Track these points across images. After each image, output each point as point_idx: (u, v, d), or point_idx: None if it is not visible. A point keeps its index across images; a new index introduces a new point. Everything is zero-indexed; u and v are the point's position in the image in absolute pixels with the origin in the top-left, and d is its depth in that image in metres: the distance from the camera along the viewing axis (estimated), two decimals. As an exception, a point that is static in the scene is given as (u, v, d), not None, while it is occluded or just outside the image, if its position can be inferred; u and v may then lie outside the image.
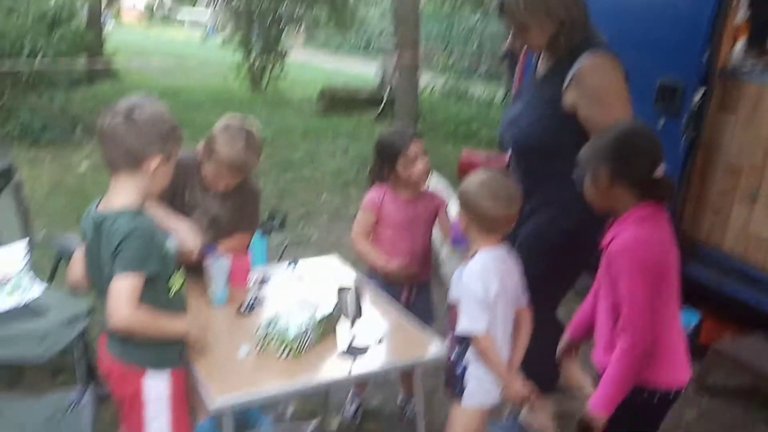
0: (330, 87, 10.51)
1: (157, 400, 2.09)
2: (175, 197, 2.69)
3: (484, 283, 2.21)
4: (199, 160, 2.69)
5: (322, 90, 10.36)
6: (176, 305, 2.11)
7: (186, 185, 2.71)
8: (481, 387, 2.29)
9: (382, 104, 9.61)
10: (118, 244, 1.91)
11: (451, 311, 2.26)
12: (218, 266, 2.54)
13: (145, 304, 1.94)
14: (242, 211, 2.80)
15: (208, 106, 9.95)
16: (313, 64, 17.32)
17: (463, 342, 2.27)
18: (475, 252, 2.29)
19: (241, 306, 2.52)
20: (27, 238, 3.45)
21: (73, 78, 9.88)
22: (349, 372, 2.17)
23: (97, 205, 2.06)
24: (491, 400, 2.31)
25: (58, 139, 7.48)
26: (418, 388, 2.34)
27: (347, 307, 2.21)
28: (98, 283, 2.04)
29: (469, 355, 2.27)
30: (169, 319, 2.07)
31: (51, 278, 3.44)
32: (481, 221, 2.26)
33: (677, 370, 2.05)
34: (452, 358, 2.31)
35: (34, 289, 3.34)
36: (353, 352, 2.23)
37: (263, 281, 2.78)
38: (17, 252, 3.40)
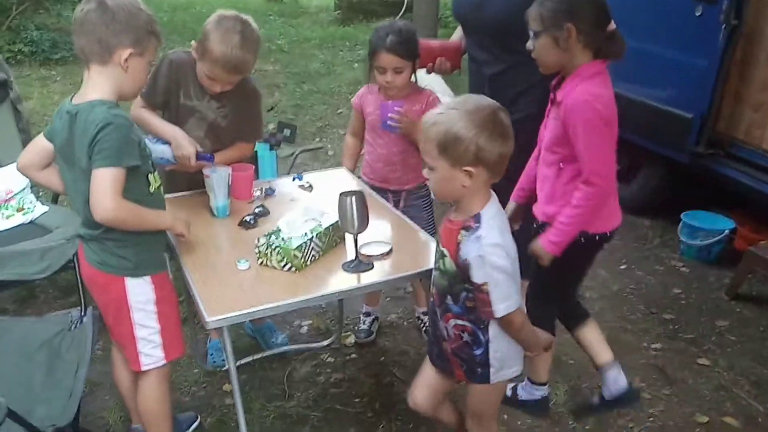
0: (348, -7, 10.07)
1: (143, 306, 2.08)
2: (170, 101, 2.54)
3: (505, 249, 1.76)
4: (194, 61, 2.49)
5: (338, -3, 9.96)
6: (156, 202, 2.06)
7: (180, 88, 2.53)
8: (507, 361, 1.95)
9: (403, 9, 9.20)
10: (96, 134, 1.83)
11: (480, 297, 1.80)
12: (217, 176, 2.40)
13: (126, 199, 1.88)
14: (242, 115, 2.61)
15: (223, 19, 9.63)
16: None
17: (481, 322, 1.91)
18: (476, 215, 1.77)
19: (244, 218, 2.39)
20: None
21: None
22: (358, 282, 2.04)
23: (71, 100, 1.97)
24: (518, 369, 2.00)
25: (68, 57, 7.30)
26: (427, 298, 2.21)
27: (350, 214, 2.05)
28: (72, 182, 1.98)
29: (491, 332, 1.91)
30: (154, 212, 2.03)
31: (55, 199, 3.35)
32: (488, 168, 1.75)
33: (616, 214, 2.26)
34: (467, 341, 1.94)
35: (37, 208, 3.25)
36: (360, 262, 2.09)
37: (268, 193, 2.64)
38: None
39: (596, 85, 2.08)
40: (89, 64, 1.94)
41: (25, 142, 3.38)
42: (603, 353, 2.44)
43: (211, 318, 1.87)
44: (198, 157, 2.45)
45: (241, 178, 2.57)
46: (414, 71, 2.69)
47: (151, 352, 2.13)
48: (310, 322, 3.21)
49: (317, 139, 5.55)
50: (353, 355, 2.99)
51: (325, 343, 3.04)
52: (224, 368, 2.87)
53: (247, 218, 2.40)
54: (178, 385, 2.78)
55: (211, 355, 2.95)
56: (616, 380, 2.44)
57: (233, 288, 2.01)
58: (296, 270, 2.08)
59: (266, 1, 11.61)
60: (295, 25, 9.43)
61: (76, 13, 1.93)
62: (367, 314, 3.14)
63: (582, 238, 2.18)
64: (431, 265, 2.14)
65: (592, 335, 2.47)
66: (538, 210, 2.30)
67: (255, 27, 2.43)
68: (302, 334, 3.15)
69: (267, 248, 2.10)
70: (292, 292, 1.99)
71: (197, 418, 2.60)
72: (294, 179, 2.78)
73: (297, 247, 2.07)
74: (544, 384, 2.60)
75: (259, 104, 2.73)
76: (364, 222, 2.08)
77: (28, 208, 3.22)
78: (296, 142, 3.94)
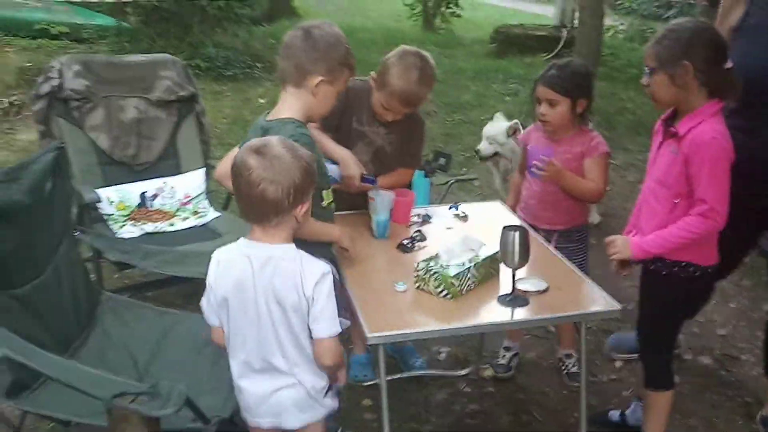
0: (504, 26, 10.09)
1: None
2: (342, 124, 2.69)
3: None
4: (370, 90, 2.65)
5: (495, 30, 9.98)
6: (327, 216, 2.21)
7: (354, 113, 2.69)
8: None
9: (560, 45, 9.12)
10: None
11: None
12: (381, 199, 2.52)
13: None
14: (407, 144, 2.74)
15: (381, 45, 9.96)
16: (488, 3, 16.82)
17: None
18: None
19: (402, 242, 2.48)
20: (206, 166, 3.63)
21: (255, 15, 10.30)
22: (511, 317, 2.07)
23: (265, 116, 2.16)
24: None
25: (239, 74, 7.81)
26: (582, 343, 2.19)
27: (512, 248, 2.08)
28: None
29: None
30: (324, 224, 2.18)
31: (225, 206, 3.61)
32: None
33: (714, 251, 2.31)
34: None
35: (210, 213, 3.52)
36: (515, 297, 2.12)
37: (425, 219, 2.72)
38: (198, 178, 3.60)
39: (720, 123, 2.17)
40: (285, 85, 2.14)
41: (205, 153, 3.69)
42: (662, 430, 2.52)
43: (372, 334, 1.96)
44: (362, 179, 2.57)
45: (402, 204, 2.67)
46: (575, 110, 2.69)
47: None
48: (449, 349, 3.24)
49: (464, 170, 5.61)
50: (490, 389, 2.99)
51: (463, 372, 3.07)
52: (364, 383, 2.98)
53: (405, 242, 2.48)
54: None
55: (353, 369, 3.05)
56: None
57: (392, 308, 2.09)
58: (452, 297, 2.13)
59: (423, 31, 11.89)
60: (449, 56, 9.57)
61: (285, 37, 2.14)
62: (508, 349, 3.14)
63: (690, 268, 2.27)
64: (589, 308, 2.14)
65: (665, 405, 2.50)
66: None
67: (433, 64, 2.57)
68: (440, 360, 3.19)
69: (426, 273, 2.17)
70: (447, 319, 2.05)
71: (339, 429, 2.69)
72: (450, 208, 2.84)
73: (455, 276, 2.12)
74: None
75: (423, 132, 2.85)
76: (524, 257, 2.10)
77: (203, 212, 3.50)
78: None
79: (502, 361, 3.10)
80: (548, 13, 12.02)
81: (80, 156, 3.36)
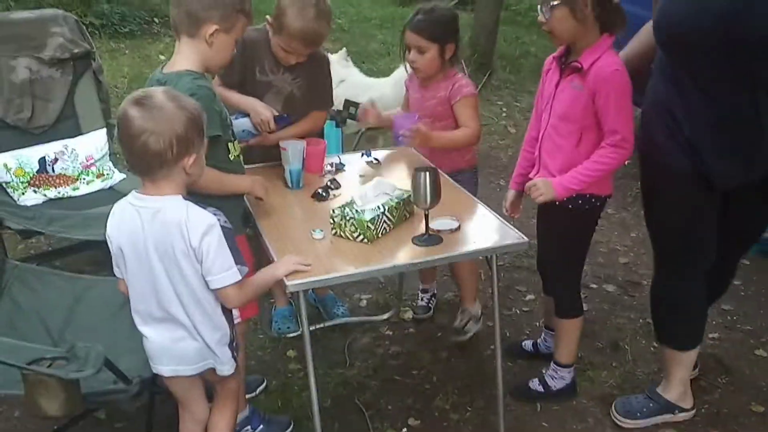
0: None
1: None
2: (245, 79, 2.64)
3: None
4: (268, 37, 2.61)
5: (400, -23, 9.93)
6: (236, 169, 2.19)
7: (255, 64, 2.64)
8: None
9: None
10: None
11: None
12: (293, 149, 2.51)
13: (208, 165, 1.95)
14: (315, 84, 2.73)
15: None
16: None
17: None
18: None
19: (317, 190, 2.49)
20: (107, 126, 3.50)
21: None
22: (427, 256, 2.12)
23: (161, 69, 2.10)
24: None
25: (137, 30, 7.48)
26: (494, 277, 2.27)
27: (423, 190, 2.12)
28: None
29: None
30: (234, 176, 2.17)
31: (132, 165, 3.50)
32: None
33: (611, 181, 2.42)
34: None
35: (115, 175, 3.41)
36: (429, 236, 2.17)
37: (339, 168, 2.73)
38: (100, 138, 3.47)
39: (617, 56, 2.25)
40: (179, 35, 2.08)
41: (104, 111, 3.55)
42: (573, 355, 2.66)
43: (292, 282, 1.97)
44: (276, 120, 2.57)
45: (314, 152, 2.66)
46: (444, 55, 2.68)
47: None
48: (370, 296, 3.30)
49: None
50: (411, 330, 3.08)
51: (385, 316, 3.14)
52: (288, 335, 3.00)
53: (320, 191, 2.49)
54: (246, 350, 2.89)
55: (276, 322, 3.07)
56: (564, 378, 2.68)
57: (310, 256, 2.09)
58: (368, 241, 2.16)
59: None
60: (354, 4, 9.47)
61: None
62: (425, 291, 3.22)
63: (592, 199, 2.37)
64: (499, 243, 2.21)
65: (575, 331, 2.62)
66: (547, 177, 2.38)
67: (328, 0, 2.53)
68: (362, 307, 3.25)
69: (341, 219, 2.19)
70: (365, 262, 2.08)
71: (264, 380, 2.72)
72: (362, 155, 2.86)
73: (370, 219, 2.15)
74: (571, 366, 2.69)
75: (329, 71, 2.85)
76: (435, 197, 2.15)
77: (107, 174, 3.39)
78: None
79: (422, 303, 3.18)
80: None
81: (-31, 121, 3.17)
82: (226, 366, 1.96)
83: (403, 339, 3.02)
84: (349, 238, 2.18)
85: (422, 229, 2.19)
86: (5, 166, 3.15)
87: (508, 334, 3.05)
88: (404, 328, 3.09)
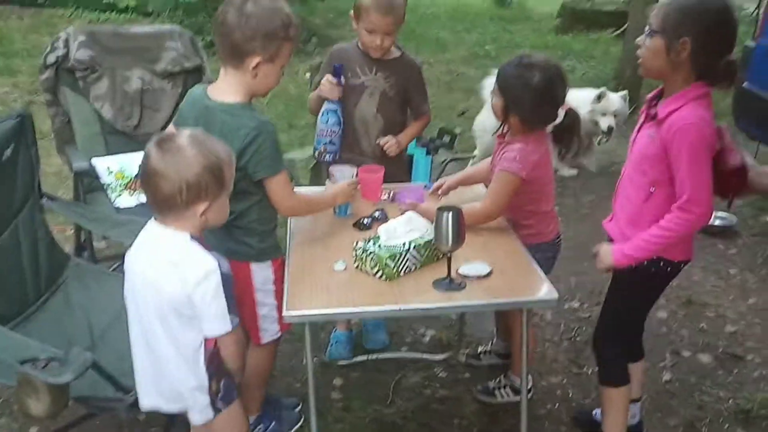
0: (572, 1, 9.66)
1: (262, 287, 2.21)
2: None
3: None
4: (354, 45, 2.75)
5: (562, 5, 9.60)
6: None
7: (347, 70, 2.71)
8: None
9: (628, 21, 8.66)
10: (250, 142, 1.99)
11: None
12: (341, 175, 2.47)
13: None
14: (408, 86, 2.80)
15: (443, 20, 9.80)
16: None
17: None
18: None
19: (361, 219, 2.42)
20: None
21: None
22: (443, 303, 1.99)
23: (205, 91, 2.12)
24: None
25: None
26: (524, 333, 2.07)
27: (445, 231, 1.98)
28: None
29: None
30: (319, 197, 2.35)
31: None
32: None
33: (691, 244, 2.15)
34: None
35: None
36: (451, 281, 2.02)
37: (395, 197, 2.64)
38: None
39: (704, 108, 1.97)
40: (224, 65, 2.07)
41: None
42: (635, 391, 2.41)
43: (289, 312, 1.92)
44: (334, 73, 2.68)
45: (370, 180, 2.60)
46: (507, 116, 2.36)
47: (270, 327, 2.27)
48: (434, 332, 3.16)
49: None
50: (466, 375, 2.90)
51: (440, 357, 2.98)
52: (339, 362, 2.95)
53: (364, 220, 2.42)
54: (293, 371, 2.88)
55: (332, 346, 3.01)
56: (634, 415, 2.45)
57: (321, 287, 2.04)
58: (387, 279, 2.06)
59: (495, 4, 11.55)
60: (512, 31, 9.29)
61: (218, 12, 2.05)
62: (495, 335, 3.02)
63: (661, 263, 2.10)
64: (527, 296, 2.02)
65: (635, 372, 2.36)
66: (615, 229, 2.21)
67: None
68: (424, 343, 3.12)
69: (363, 253, 2.11)
70: (374, 301, 1.98)
71: (299, 404, 2.67)
72: (426, 187, 2.75)
73: (390, 256, 2.05)
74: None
75: (422, 76, 2.88)
76: (458, 240, 2.00)
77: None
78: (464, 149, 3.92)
79: (482, 349, 2.99)
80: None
81: (84, 125, 3.43)
82: (197, 415, 1.89)
83: (454, 383, 2.85)
84: (369, 273, 2.09)
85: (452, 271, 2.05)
86: (108, 168, 3.37)
87: (571, 395, 2.79)
88: (459, 372, 2.92)
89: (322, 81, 2.69)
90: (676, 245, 2.08)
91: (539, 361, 2.95)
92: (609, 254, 2.12)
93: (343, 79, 2.68)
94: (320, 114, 2.71)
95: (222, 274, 1.77)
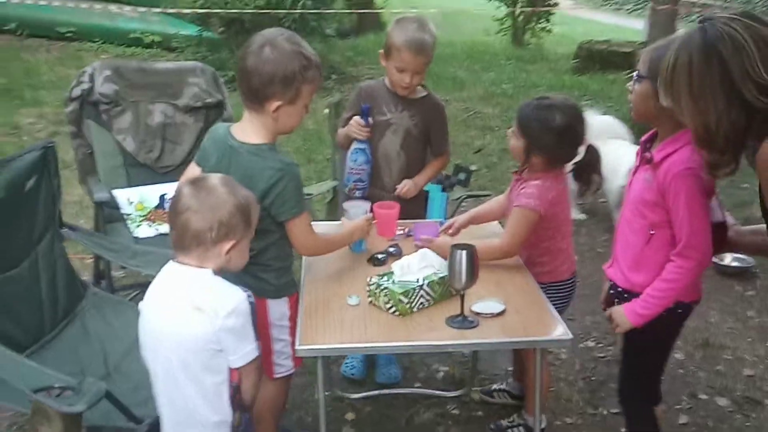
0: (587, 42, 9.73)
1: (278, 322, 2.21)
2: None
3: None
4: (382, 83, 2.82)
5: (579, 45, 9.68)
6: None
7: (374, 107, 2.79)
8: None
9: (644, 62, 8.71)
10: (274, 183, 2.00)
11: None
12: (355, 211, 2.48)
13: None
14: (432, 126, 2.86)
15: (461, 59, 9.90)
16: (593, 19, 16.21)
17: None
18: None
19: (375, 254, 2.43)
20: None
21: (343, 29, 10.48)
22: (453, 340, 1.99)
23: (229, 130, 2.14)
24: None
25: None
26: (536, 376, 2.06)
27: (459, 268, 1.99)
28: None
29: None
30: (338, 236, 2.35)
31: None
32: None
33: (700, 284, 2.12)
34: None
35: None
36: (464, 319, 2.02)
37: (410, 234, 2.65)
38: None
39: (698, 152, 1.90)
40: (246, 108, 2.10)
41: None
42: None
43: (302, 347, 1.93)
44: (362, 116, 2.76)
45: (385, 216, 2.62)
46: (529, 156, 2.36)
47: (284, 363, 2.26)
48: (447, 368, 3.15)
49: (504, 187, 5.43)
50: (479, 413, 2.87)
51: (454, 393, 2.96)
52: (354, 377, 3.00)
53: (378, 255, 2.43)
54: (306, 404, 2.87)
55: (347, 363, 3.04)
56: None
57: (335, 322, 2.05)
58: (400, 314, 2.06)
59: (512, 45, 11.67)
60: (529, 71, 9.37)
61: (240, 53, 2.10)
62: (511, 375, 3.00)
63: (671, 305, 2.05)
64: (545, 336, 2.01)
65: None
66: (618, 275, 2.17)
67: (431, 24, 2.73)
68: (437, 379, 3.10)
69: (376, 288, 2.12)
70: (387, 336, 1.99)
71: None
72: (440, 223, 2.76)
73: (403, 292, 2.06)
74: None
75: (445, 116, 2.97)
76: (471, 278, 2.01)
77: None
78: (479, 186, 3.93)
79: (497, 387, 2.97)
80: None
81: (106, 157, 3.50)
82: None
83: (467, 421, 2.83)
84: (382, 309, 2.10)
85: (465, 308, 2.05)
86: (128, 200, 3.43)
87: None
88: (472, 409, 2.90)
89: (351, 122, 2.75)
90: (687, 287, 2.05)
91: (554, 401, 2.92)
92: (624, 317, 2.08)
93: (370, 119, 2.75)
94: (350, 152, 2.79)
95: (249, 304, 1.81)
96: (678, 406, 2.90)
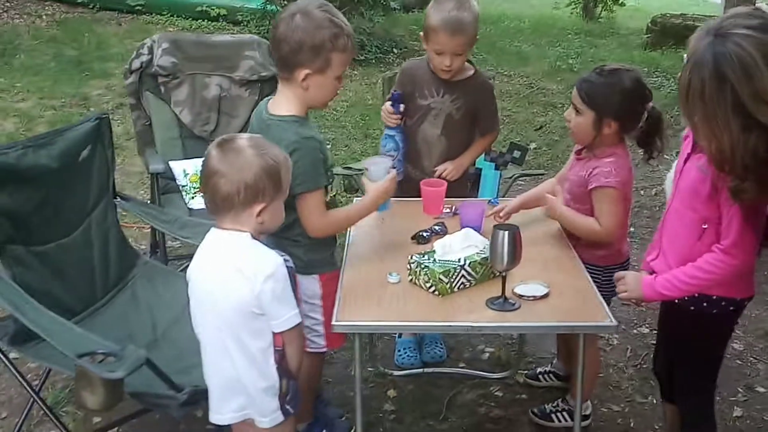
0: (662, 16, 9.34)
1: (309, 300, 2.20)
2: (407, 106, 2.70)
3: None
4: (426, 63, 2.70)
5: (652, 20, 9.30)
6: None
7: (415, 90, 2.71)
8: None
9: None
10: (289, 156, 1.94)
11: None
12: (376, 170, 2.30)
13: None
14: (477, 107, 2.75)
15: (527, 33, 9.68)
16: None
17: None
18: None
19: (420, 232, 2.40)
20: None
21: (408, 1, 10.37)
22: (493, 322, 1.95)
23: (266, 105, 2.15)
24: None
25: (372, 59, 7.90)
26: (579, 362, 2.00)
27: (501, 250, 1.94)
28: None
29: None
30: (356, 207, 2.26)
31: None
32: None
33: (753, 279, 2.02)
34: None
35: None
36: (504, 301, 1.98)
37: (457, 212, 2.61)
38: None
39: None
40: (279, 78, 2.10)
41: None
42: None
43: (339, 322, 1.93)
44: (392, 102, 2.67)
45: (432, 193, 2.58)
46: (600, 129, 2.28)
47: (314, 339, 2.26)
48: (493, 350, 3.11)
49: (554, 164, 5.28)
50: (523, 396, 2.83)
51: (498, 375, 2.93)
52: (412, 369, 2.94)
53: (423, 233, 2.40)
54: (348, 379, 2.88)
55: (399, 353, 3.00)
56: None
57: (373, 299, 2.04)
58: (440, 294, 2.04)
59: (583, 19, 11.33)
60: (597, 46, 9.08)
61: (273, 23, 2.10)
62: (556, 356, 2.95)
63: (722, 302, 1.96)
64: (589, 321, 1.95)
65: None
66: (664, 267, 2.03)
67: (473, 2, 2.58)
68: (482, 360, 3.07)
69: (417, 266, 2.09)
70: (425, 316, 1.97)
71: (342, 415, 2.65)
72: (490, 202, 2.71)
73: (443, 272, 2.03)
74: None
75: (493, 96, 2.87)
76: (514, 260, 1.96)
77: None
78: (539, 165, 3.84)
79: (541, 369, 2.91)
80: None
81: (164, 129, 3.57)
82: (266, 418, 1.89)
83: (510, 404, 2.79)
84: (422, 287, 2.08)
85: (507, 290, 2.01)
86: (184, 171, 3.50)
87: (632, 424, 2.68)
88: (516, 391, 2.86)
89: (382, 108, 2.70)
90: (736, 283, 1.93)
91: (601, 387, 2.85)
92: (638, 285, 2.01)
93: (401, 106, 2.66)
94: (382, 137, 2.74)
95: (287, 268, 1.81)
96: (733, 398, 2.79)
